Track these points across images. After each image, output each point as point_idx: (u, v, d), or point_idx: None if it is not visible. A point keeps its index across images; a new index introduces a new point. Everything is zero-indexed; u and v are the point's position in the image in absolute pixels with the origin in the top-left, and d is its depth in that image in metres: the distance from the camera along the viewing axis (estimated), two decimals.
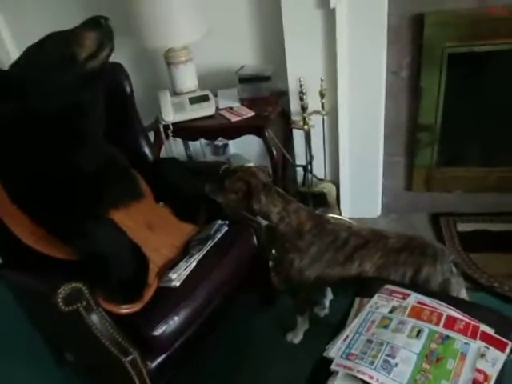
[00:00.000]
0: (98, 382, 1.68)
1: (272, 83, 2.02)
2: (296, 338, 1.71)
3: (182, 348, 1.40)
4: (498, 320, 1.24)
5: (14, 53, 2.17)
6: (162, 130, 1.92)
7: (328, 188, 2.21)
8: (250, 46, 2.13)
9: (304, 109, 1.92)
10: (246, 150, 2.37)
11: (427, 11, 1.81)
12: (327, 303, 1.81)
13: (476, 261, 1.96)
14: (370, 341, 1.17)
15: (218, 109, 1.99)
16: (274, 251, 1.59)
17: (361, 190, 2.26)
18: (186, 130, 1.94)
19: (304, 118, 1.94)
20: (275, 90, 2.06)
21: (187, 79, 2.04)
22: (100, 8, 1.97)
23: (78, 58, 1.20)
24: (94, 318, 1.22)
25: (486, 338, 1.15)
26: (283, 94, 2.09)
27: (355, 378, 1.09)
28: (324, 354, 1.17)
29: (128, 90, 1.71)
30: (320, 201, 2.21)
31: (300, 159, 2.22)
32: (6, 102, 1.21)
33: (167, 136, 1.92)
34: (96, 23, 1.21)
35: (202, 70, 2.13)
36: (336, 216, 2.18)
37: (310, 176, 2.17)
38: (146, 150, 1.82)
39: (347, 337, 1.20)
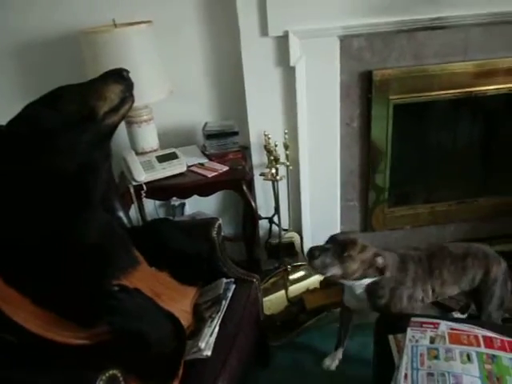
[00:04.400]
0: None
1: (239, 138, 2.04)
2: (333, 363, 1.71)
3: None
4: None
5: None
6: (132, 190, 1.78)
7: (294, 237, 2.24)
8: (209, 103, 2.14)
9: (276, 160, 1.96)
10: (204, 207, 2.30)
11: (374, 69, 2.03)
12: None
13: None
14: (430, 374, 1.18)
15: (189, 167, 1.93)
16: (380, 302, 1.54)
17: (321, 236, 2.31)
18: (159, 190, 1.83)
19: (276, 169, 1.97)
20: (241, 145, 2.08)
21: (149, 138, 1.95)
22: (59, 68, 1.86)
23: (98, 112, 1.08)
24: None
25: None
26: (245, 149, 2.12)
27: None
28: None
29: None
30: (289, 251, 2.22)
31: (262, 211, 2.22)
32: (9, 162, 1.02)
33: (139, 197, 1.78)
34: (119, 76, 1.12)
35: (160, 129, 2.06)
36: (302, 263, 2.21)
37: (276, 227, 2.18)
38: (121, 213, 1.67)
39: (406, 375, 1.19)
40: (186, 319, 1.36)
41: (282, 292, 2.07)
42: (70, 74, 1.63)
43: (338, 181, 2.24)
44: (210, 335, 1.30)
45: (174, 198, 2.20)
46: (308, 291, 2.10)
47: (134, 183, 1.79)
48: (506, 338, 1.27)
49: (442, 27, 1.97)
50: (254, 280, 1.62)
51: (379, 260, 1.44)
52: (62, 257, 1.14)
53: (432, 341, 1.29)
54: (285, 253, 2.20)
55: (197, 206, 2.31)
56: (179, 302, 1.41)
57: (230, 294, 1.48)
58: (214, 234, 1.57)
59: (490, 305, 1.60)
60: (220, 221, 1.61)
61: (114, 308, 1.07)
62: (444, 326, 1.34)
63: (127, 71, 1.14)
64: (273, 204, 2.16)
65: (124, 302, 1.09)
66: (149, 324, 1.08)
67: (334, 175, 2.22)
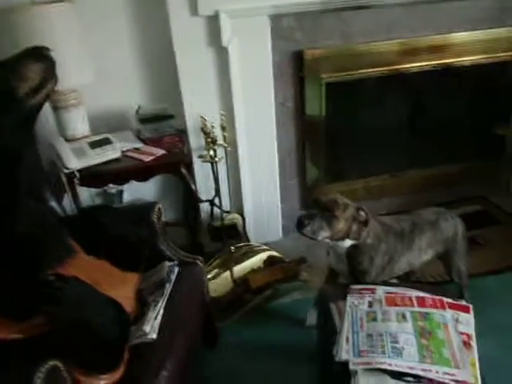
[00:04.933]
0: None
1: (174, 121, 2.00)
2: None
3: None
4: (447, 292, 1.46)
5: None
6: (64, 179, 1.70)
7: (236, 219, 2.25)
8: (142, 87, 2.07)
9: (214, 142, 1.95)
10: (143, 193, 2.25)
11: (304, 48, 2.07)
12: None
13: None
14: (370, 335, 1.25)
15: (124, 152, 1.87)
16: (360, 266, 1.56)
17: (263, 216, 2.36)
18: (93, 177, 1.76)
19: (215, 151, 1.96)
20: (177, 128, 2.04)
21: (79, 124, 1.87)
22: None
23: (18, 93, 1.01)
24: None
25: (451, 306, 1.34)
26: (182, 132, 2.08)
27: (373, 370, 1.15)
28: (337, 359, 1.19)
29: None
30: (232, 232, 2.23)
31: (203, 194, 2.21)
32: None
33: (72, 185, 1.70)
34: (40, 53, 1.05)
35: (91, 114, 1.97)
36: (246, 244, 2.23)
37: (218, 210, 2.17)
38: (53, 202, 1.59)
39: (348, 338, 1.25)
40: (128, 305, 1.33)
41: (227, 273, 2.08)
42: None
43: (276, 160, 2.27)
44: (155, 318, 1.28)
45: (111, 186, 2.12)
46: (252, 271, 2.12)
47: (66, 171, 1.71)
48: (436, 297, 1.37)
49: (367, 7, 2.03)
50: (198, 262, 1.61)
51: (362, 213, 1.49)
52: None
53: (370, 305, 1.36)
54: (227, 235, 2.20)
55: (135, 192, 2.25)
56: (121, 288, 1.37)
57: (173, 277, 1.46)
58: (154, 217, 1.54)
59: (460, 260, 1.74)
60: (160, 205, 1.58)
61: (49, 297, 1.02)
62: (380, 290, 1.41)
63: (48, 49, 1.08)
64: (213, 186, 2.15)
65: (61, 291, 1.05)
66: (90, 311, 1.05)
67: (272, 155, 2.24)
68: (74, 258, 1.33)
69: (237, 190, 2.25)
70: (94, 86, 1.86)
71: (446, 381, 1.11)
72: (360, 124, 2.36)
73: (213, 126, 1.93)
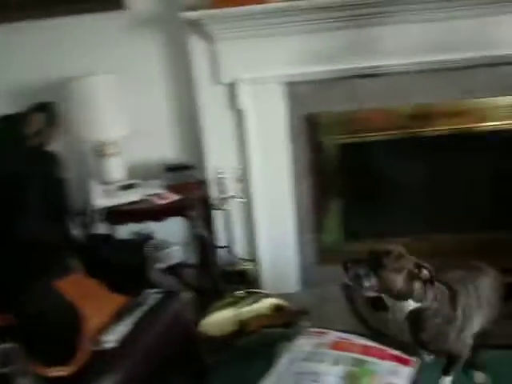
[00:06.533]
0: None
1: (195, 172, 2.28)
2: None
3: None
4: (401, 344, 1.44)
5: None
6: (90, 214, 2.03)
7: (249, 266, 2.39)
8: (175, 141, 2.41)
9: (222, 193, 2.17)
10: (171, 238, 2.51)
11: (318, 112, 2.25)
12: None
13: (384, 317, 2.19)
14: (297, 373, 1.30)
15: (145, 195, 2.17)
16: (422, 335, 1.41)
17: (278, 267, 2.47)
18: (115, 214, 2.08)
19: (222, 201, 2.18)
20: (198, 179, 2.32)
21: (115, 170, 2.23)
22: None
23: (25, 133, 1.37)
24: (23, 381, 1.21)
25: (395, 358, 1.34)
26: (203, 183, 2.35)
27: None
28: None
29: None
30: (243, 279, 2.36)
31: (222, 240, 2.41)
32: None
33: (97, 220, 2.03)
34: (43, 107, 1.41)
35: (132, 163, 2.34)
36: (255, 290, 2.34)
37: (231, 256, 2.35)
38: (75, 231, 1.91)
39: (278, 373, 1.31)
40: (105, 319, 1.54)
41: (232, 314, 2.19)
42: None
43: (292, 215, 2.40)
44: (117, 333, 1.47)
45: (143, 227, 2.43)
46: (258, 316, 2.21)
47: (94, 208, 2.05)
48: (383, 348, 1.37)
49: (377, 75, 2.17)
50: (184, 295, 1.78)
51: (424, 271, 1.32)
52: None
53: (315, 346, 1.40)
54: (239, 280, 2.34)
55: (164, 234, 2.52)
56: (103, 305, 1.60)
57: (151, 302, 1.65)
58: (147, 251, 1.78)
59: None
60: (155, 240, 1.82)
61: (24, 293, 1.28)
62: (332, 335, 1.45)
63: (51, 103, 1.44)
64: (233, 234, 2.35)
65: (37, 291, 1.31)
66: (48, 310, 1.28)
67: (288, 210, 2.38)
68: (69, 276, 1.61)
69: (251, 240, 2.41)
70: (131, 139, 2.24)
71: None
72: (377, 185, 2.41)
73: (223, 179, 2.16)
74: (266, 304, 2.27)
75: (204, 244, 2.30)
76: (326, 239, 2.46)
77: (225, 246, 2.35)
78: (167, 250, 2.33)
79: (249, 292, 2.32)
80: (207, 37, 2.12)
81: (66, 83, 2.09)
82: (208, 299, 2.26)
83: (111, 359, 1.39)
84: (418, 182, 2.42)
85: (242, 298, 2.27)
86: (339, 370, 1.28)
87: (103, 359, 1.39)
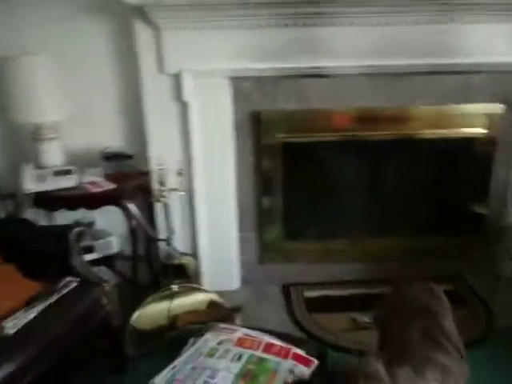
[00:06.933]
0: None
1: (135, 162, 2.25)
2: None
3: None
4: (312, 346, 1.44)
5: None
6: (20, 198, 1.98)
7: (188, 261, 2.36)
8: (117, 130, 2.36)
9: (162, 184, 2.13)
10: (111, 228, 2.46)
11: (262, 109, 2.23)
12: None
13: (318, 320, 2.19)
14: (195, 368, 1.28)
15: (81, 182, 2.12)
16: None
17: (219, 263, 2.45)
18: (47, 200, 2.03)
19: (161, 193, 2.14)
20: (138, 169, 2.28)
21: (52, 155, 2.18)
22: None
23: None
24: None
25: (296, 357, 1.33)
26: (146, 174, 2.31)
27: None
28: (150, 382, 1.24)
29: None
30: (180, 273, 2.33)
31: (163, 234, 2.37)
32: None
33: (25, 205, 1.98)
34: None
35: (72, 149, 2.29)
36: (191, 285, 2.31)
37: (170, 249, 2.31)
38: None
39: (175, 366, 1.29)
40: (14, 305, 1.50)
41: (163, 308, 2.17)
42: None
43: (234, 212, 2.38)
44: (22, 319, 1.43)
45: (82, 216, 2.38)
46: (189, 312, 2.19)
47: (24, 192, 1.99)
48: (287, 346, 1.36)
49: (324, 76, 2.17)
50: (104, 285, 1.75)
51: None
52: None
53: (220, 343, 1.39)
54: (177, 274, 2.31)
55: (106, 224, 2.47)
56: (14, 290, 1.56)
57: (64, 291, 1.61)
58: (72, 237, 1.74)
59: None
60: (82, 228, 1.78)
61: None
62: (240, 332, 1.44)
63: None
64: (173, 228, 2.31)
65: None
66: None
67: (230, 207, 2.37)
68: None
69: (191, 234, 2.39)
70: (71, 125, 2.19)
71: None
72: (319, 185, 2.41)
73: (163, 170, 2.12)
74: (200, 299, 2.26)
75: (140, 236, 2.26)
76: (267, 238, 2.44)
77: (164, 239, 2.32)
78: (104, 240, 2.29)
79: (184, 286, 2.30)
80: (153, 25, 2.08)
81: (4, 62, 2.03)
82: (143, 292, 2.24)
83: (8, 346, 1.36)
84: (359, 185, 2.43)
85: (177, 293, 2.25)
86: (237, 366, 1.26)
87: (3, 347, 1.35)
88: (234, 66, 2.14)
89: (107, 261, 2.32)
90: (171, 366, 1.29)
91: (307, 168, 2.38)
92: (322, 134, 2.26)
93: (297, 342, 1.41)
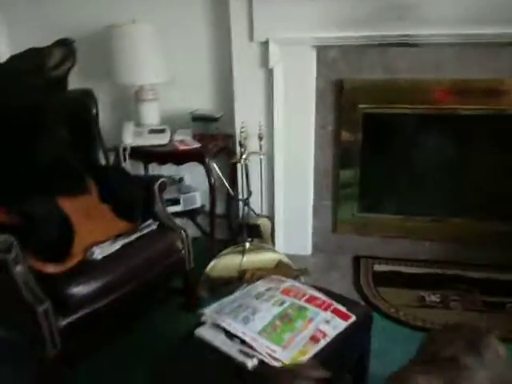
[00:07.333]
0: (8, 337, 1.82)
1: (220, 124, 2.42)
2: None
3: (93, 316, 1.60)
4: (358, 307, 1.48)
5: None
6: (121, 150, 2.27)
7: (263, 222, 2.50)
8: (207, 93, 2.55)
9: (244, 147, 2.27)
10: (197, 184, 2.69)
11: (345, 78, 2.24)
12: None
13: (382, 294, 2.19)
14: (240, 305, 1.41)
15: (172, 141, 2.35)
16: None
17: (293, 228, 2.54)
18: (141, 153, 2.29)
19: (241, 155, 2.29)
20: (224, 132, 2.45)
21: (150, 114, 2.44)
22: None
23: (46, 65, 1.59)
24: (19, 268, 1.46)
25: (335, 311, 1.39)
26: (229, 136, 2.47)
27: (218, 327, 1.32)
28: (200, 311, 1.40)
29: (94, 111, 2.09)
30: (255, 233, 2.48)
31: (242, 194, 2.53)
32: None
33: (124, 157, 2.26)
34: (63, 43, 1.62)
35: (167, 110, 2.53)
36: (267, 246, 2.45)
37: (248, 209, 2.47)
38: (102, 161, 2.17)
39: (223, 302, 1.44)
40: (103, 237, 1.76)
41: (235, 261, 2.34)
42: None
43: (311, 179, 2.45)
44: (108, 248, 1.69)
45: (175, 172, 2.64)
46: (257, 268, 2.33)
47: (123, 145, 2.28)
48: (329, 301, 1.42)
49: (414, 45, 2.10)
50: (181, 231, 1.96)
51: None
52: (15, 166, 1.65)
53: (268, 289, 1.50)
54: (251, 234, 2.46)
55: (193, 182, 2.70)
56: (106, 225, 1.83)
57: (145, 231, 1.85)
58: (156, 187, 1.97)
59: None
60: (163, 179, 2.01)
61: (25, 198, 1.54)
62: (288, 283, 1.53)
63: (70, 40, 1.64)
64: (251, 188, 2.46)
65: (36, 199, 1.56)
66: (42, 215, 1.53)
67: (307, 173, 2.43)
68: (83, 197, 1.86)
69: (269, 197, 2.51)
70: (168, 88, 2.43)
71: (263, 352, 1.21)
72: (400, 160, 2.35)
73: (246, 134, 2.25)
74: (269, 258, 2.39)
75: (221, 195, 2.45)
76: (343, 208, 2.47)
77: (243, 200, 2.47)
78: (189, 195, 2.52)
79: (257, 245, 2.45)
80: None
81: (112, 30, 2.30)
82: (220, 246, 2.44)
83: (96, 268, 1.62)
84: (444, 162, 2.32)
85: (250, 250, 2.41)
86: (278, 310, 1.36)
87: (88, 267, 1.62)
88: (320, 35, 2.17)
89: (191, 214, 2.56)
90: (220, 301, 1.44)
91: (389, 141, 2.34)
92: (407, 106, 2.20)
93: (349, 305, 1.45)
